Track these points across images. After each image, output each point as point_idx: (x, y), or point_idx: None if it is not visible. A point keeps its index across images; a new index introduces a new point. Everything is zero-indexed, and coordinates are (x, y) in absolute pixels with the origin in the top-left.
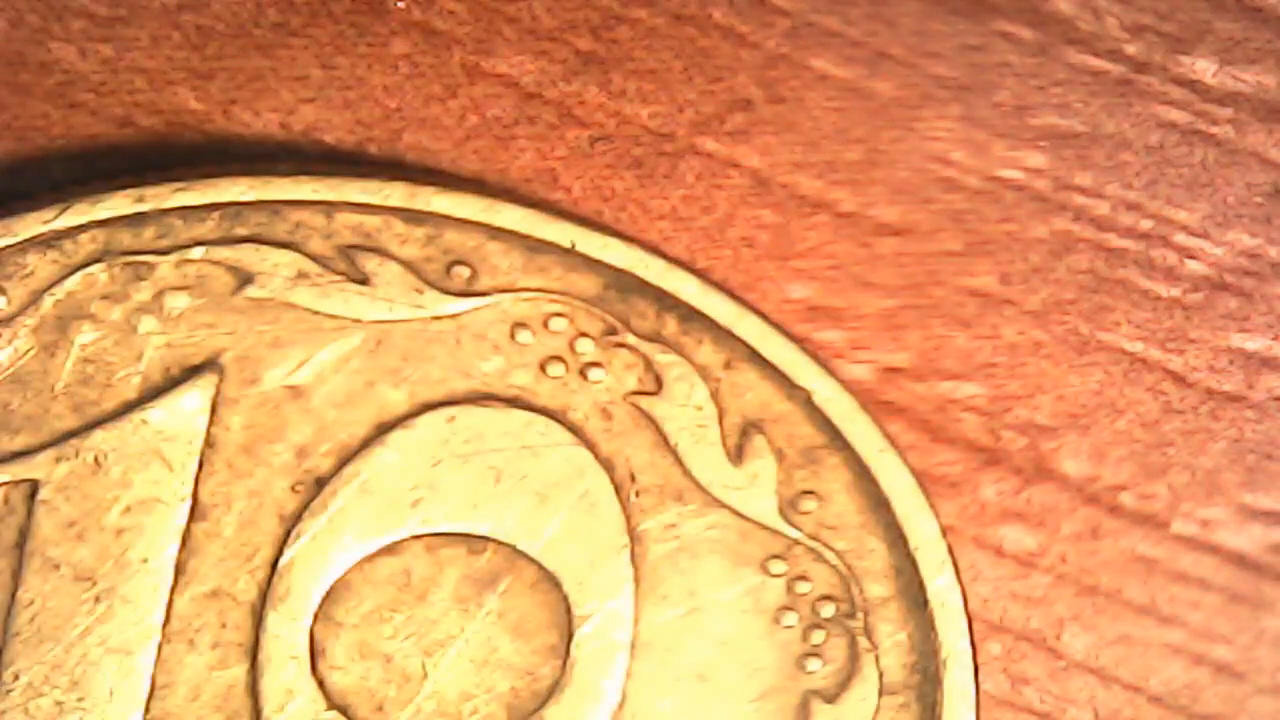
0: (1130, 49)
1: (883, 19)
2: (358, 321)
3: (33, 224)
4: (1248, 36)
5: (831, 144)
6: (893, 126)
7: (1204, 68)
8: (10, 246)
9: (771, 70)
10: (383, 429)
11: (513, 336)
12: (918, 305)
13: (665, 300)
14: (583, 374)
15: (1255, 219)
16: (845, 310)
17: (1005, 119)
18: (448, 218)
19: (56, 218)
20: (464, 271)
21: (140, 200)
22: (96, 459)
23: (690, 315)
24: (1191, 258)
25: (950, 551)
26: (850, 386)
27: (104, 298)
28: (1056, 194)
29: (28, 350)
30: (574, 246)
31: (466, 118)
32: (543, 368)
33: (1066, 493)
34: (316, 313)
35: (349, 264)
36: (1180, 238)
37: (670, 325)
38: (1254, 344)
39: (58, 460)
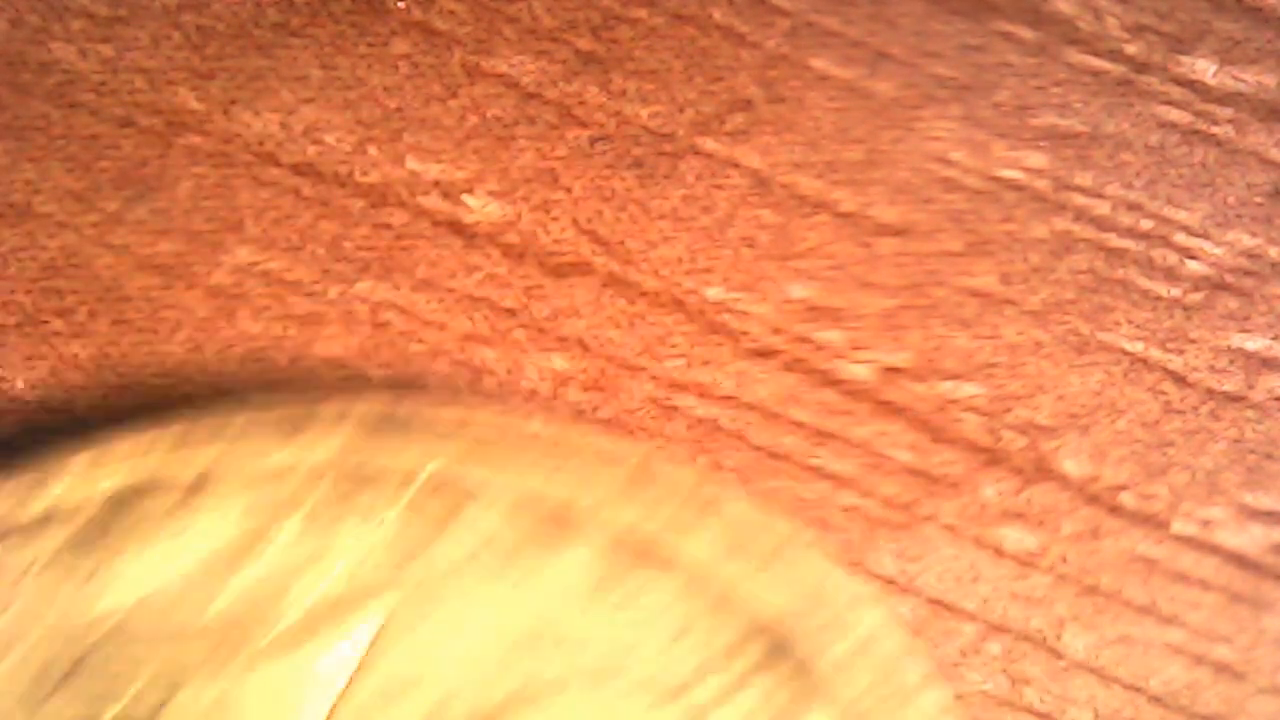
0: (1130, 49)
1: (883, 19)
2: None
3: None
4: (1248, 36)
5: (831, 144)
6: (893, 126)
7: (1204, 68)
8: None
9: (771, 70)
10: None
11: None
12: (918, 305)
13: None
14: None
15: (1255, 219)
16: (845, 310)
17: (1005, 119)
18: None
19: None
20: None
21: None
22: None
23: None
24: (1191, 258)
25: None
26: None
27: None
28: (1056, 194)
29: None
30: None
31: (466, 118)
32: None
33: (1066, 493)
34: None
35: None
36: (1180, 238)
37: None
38: (1254, 344)
39: None
